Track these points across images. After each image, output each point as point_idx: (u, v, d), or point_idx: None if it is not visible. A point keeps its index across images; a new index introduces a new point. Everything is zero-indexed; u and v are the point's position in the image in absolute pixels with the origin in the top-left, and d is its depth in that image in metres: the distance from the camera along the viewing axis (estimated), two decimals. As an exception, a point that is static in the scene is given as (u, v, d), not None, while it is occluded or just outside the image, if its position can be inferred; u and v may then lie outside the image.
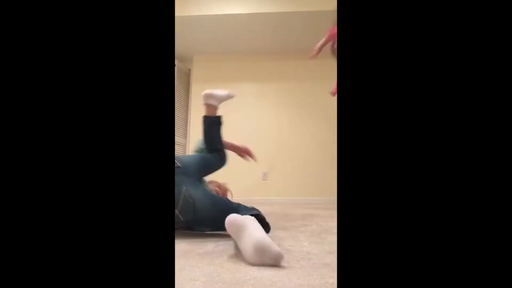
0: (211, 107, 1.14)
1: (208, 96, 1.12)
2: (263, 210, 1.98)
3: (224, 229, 0.68)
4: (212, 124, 1.15)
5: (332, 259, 0.60)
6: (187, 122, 3.50)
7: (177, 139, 3.24)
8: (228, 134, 3.74)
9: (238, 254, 0.65)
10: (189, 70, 3.67)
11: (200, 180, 1.12)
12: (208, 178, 1.30)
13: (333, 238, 0.87)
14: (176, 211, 0.87)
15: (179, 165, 0.96)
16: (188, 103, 3.57)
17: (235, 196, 3.49)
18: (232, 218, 0.67)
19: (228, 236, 0.89)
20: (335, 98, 3.43)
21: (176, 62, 3.33)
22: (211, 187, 1.41)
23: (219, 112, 1.16)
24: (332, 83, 3.44)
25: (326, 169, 3.30)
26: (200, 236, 0.91)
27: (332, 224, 1.20)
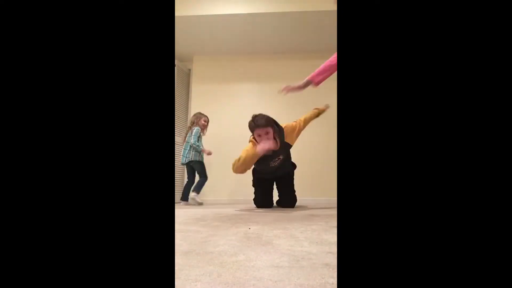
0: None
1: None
2: (263, 210, 1.98)
3: None
4: None
5: (332, 259, 0.60)
6: (187, 122, 3.50)
7: (177, 139, 3.24)
8: (228, 134, 3.71)
9: (239, 254, 0.65)
10: (189, 70, 3.67)
11: None
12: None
13: (333, 238, 0.87)
14: None
15: None
16: (188, 103, 3.57)
17: (235, 196, 3.46)
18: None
19: (228, 236, 0.89)
20: (335, 98, 3.43)
21: (176, 62, 3.33)
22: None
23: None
24: (332, 83, 3.43)
25: (326, 169, 3.30)
26: (200, 236, 0.91)
27: (332, 224, 1.20)
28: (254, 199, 2.50)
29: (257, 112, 3.42)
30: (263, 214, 1.66)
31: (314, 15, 2.84)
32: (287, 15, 2.85)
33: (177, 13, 2.83)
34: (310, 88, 3.54)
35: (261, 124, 2.00)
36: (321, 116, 3.47)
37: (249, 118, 3.42)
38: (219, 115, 3.38)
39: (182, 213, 1.75)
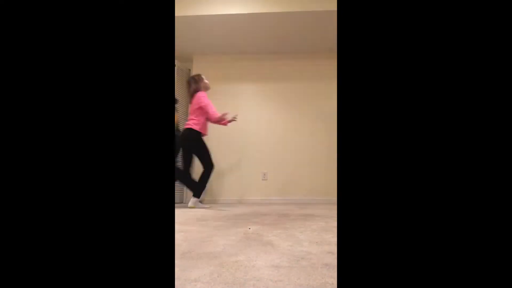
0: None
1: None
2: (263, 210, 1.98)
3: None
4: None
5: (332, 259, 0.60)
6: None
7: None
8: (228, 134, 3.71)
9: (239, 254, 0.65)
10: (189, 70, 3.67)
11: None
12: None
13: (333, 238, 0.87)
14: None
15: None
16: (188, 103, 3.57)
17: (234, 196, 3.45)
18: None
19: (228, 236, 0.89)
20: (335, 98, 3.43)
21: (176, 62, 3.33)
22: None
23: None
24: (332, 83, 3.44)
25: (326, 169, 3.30)
26: (200, 236, 0.91)
27: (332, 224, 1.20)
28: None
29: (256, 113, 3.44)
30: (263, 214, 1.66)
31: (314, 15, 2.83)
32: (287, 15, 2.85)
33: (177, 13, 2.83)
34: (310, 88, 3.54)
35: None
36: (321, 116, 3.48)
37: (249, 118, 3.43)
38: (219, 115, 3.37)
39: (182, 213, 1.75)
